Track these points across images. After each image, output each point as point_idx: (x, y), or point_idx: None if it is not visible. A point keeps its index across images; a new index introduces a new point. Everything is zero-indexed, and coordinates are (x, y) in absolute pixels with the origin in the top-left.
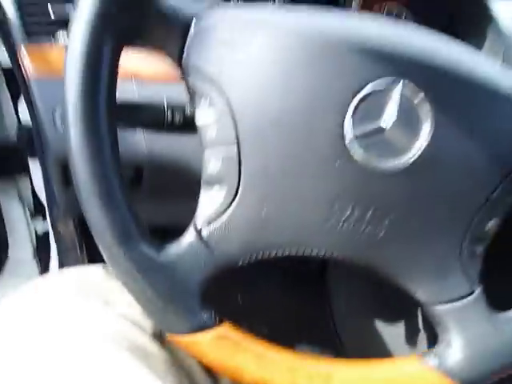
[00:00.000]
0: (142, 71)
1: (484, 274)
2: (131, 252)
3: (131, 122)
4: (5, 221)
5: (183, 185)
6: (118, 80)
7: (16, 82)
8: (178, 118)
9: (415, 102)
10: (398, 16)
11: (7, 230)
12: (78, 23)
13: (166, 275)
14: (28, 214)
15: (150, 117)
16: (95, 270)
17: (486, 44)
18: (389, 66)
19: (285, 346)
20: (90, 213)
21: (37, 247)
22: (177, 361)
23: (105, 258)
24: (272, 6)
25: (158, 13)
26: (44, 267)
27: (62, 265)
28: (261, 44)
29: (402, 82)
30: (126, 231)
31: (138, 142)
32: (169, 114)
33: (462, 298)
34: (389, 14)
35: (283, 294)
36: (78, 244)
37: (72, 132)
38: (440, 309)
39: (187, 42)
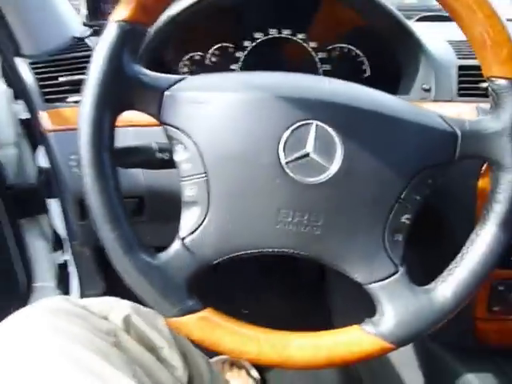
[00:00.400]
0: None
1: (406, 257)
2: (134, 259)
3: (129, 162)
4: (32, 256)
5: (176, 210)
6: (120, 129)
7: (34, 135)
8: (166, 156)
9: (328, 134)
10: (350, 55)
11: (33, 263)
12: (86, 98)
13: (161, 274)
14: (50, 248)
15: (143, 157)
16: (61, 299)
17: (422, 69)
18: (304, 112)
19: None
20: (103, 234)
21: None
22: (132, 359)
23: (115, 266)
24: (223, 74)
25: (140, 89)
26: (66, 294)
27: (83, 291)
28: (216, 102)
29: (314, 123)
30: (129, 244)
31: (139, 176)
32: (158, 154)
33: (389, 276)
34: (343, 53)
35: (283, 299)
36: (96, 271)
37: (85, 173)
38: (373, 287)
39: (163, 106)
